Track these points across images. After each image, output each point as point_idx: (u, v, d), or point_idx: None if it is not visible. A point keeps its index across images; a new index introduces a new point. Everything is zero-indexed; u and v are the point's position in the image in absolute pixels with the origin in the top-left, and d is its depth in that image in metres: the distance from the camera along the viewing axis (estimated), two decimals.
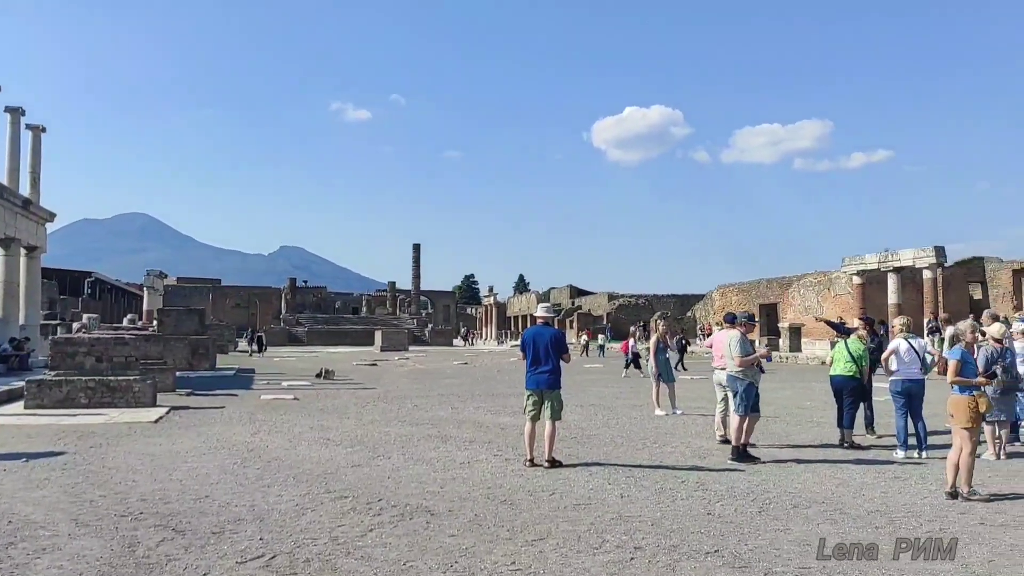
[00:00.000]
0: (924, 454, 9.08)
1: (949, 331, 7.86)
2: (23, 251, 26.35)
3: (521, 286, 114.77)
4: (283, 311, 70.17)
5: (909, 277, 35.01)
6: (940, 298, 33.34)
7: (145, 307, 43.43)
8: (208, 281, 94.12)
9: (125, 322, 33.48)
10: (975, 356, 7.87)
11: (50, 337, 23.45)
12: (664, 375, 13.78)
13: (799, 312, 39.78)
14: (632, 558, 5.09)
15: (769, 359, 13.74)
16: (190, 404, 14.69)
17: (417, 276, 72.64)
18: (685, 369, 24.51)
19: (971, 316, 10.74)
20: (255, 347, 43.16)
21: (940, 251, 32.88)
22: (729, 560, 5.06)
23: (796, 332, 36.95)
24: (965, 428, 6.87)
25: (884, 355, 9.69)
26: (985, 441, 8.85)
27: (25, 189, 27.02)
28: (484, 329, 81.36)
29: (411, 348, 50.67)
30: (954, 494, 6.86)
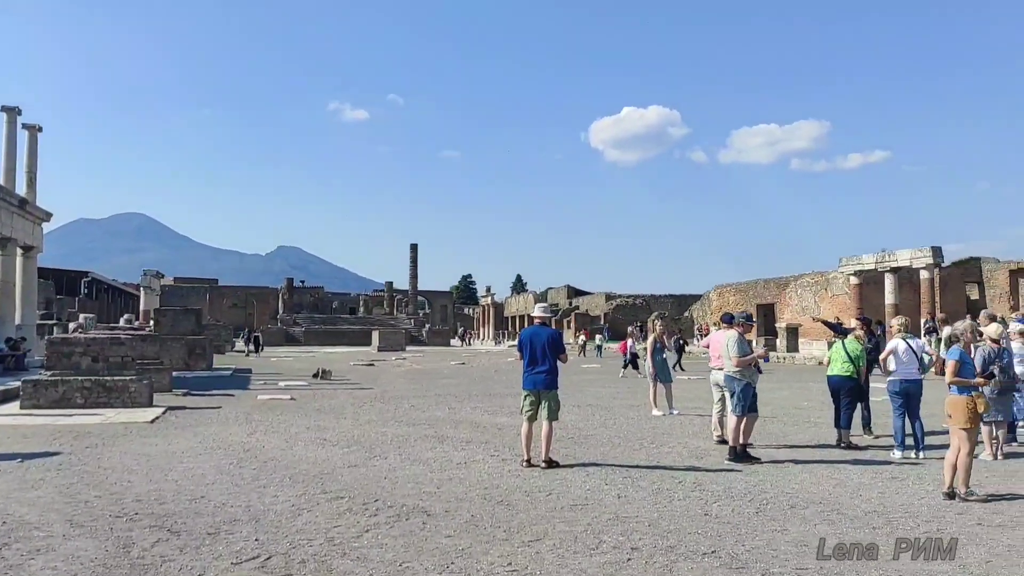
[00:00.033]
0: (921, 454, 9.08)
1: (946, 331, 7.85)
2: (19, 251, 26.28)
3: (519, 286, 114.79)
4: (280, 311, 70.11)
5: (906, 277, 35.04)
6: (937, 298, 33.37)
7: (142, 307, 43.38)
8: (205, 281, 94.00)
9: (122, 322, 33.40)
10: (972, 356, 7.86)
11: (46, 337, 23.40)
12: (661, 375, 13.77)
13: (796, 312, 39.82)
14: (629, 559, 5.07)
15: (767, 359, 13.74)
16: (186, 404, 14.66)
17: (414, 276, 72.61)
18: (683, 370, 24.51)
19: (968, 316, 10.73)
20: (251, 347, 43.13)
21: (937, 251, 32.90)
22: (726, 561, 5.05)
23: (793, 332, 36.97)
24: (963, 429, 6.87)
25: (883, 355, 9.68)
26: (982, 441, 8.84)
27: (21, 189, 26.95)
28: (482, 329, 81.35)
29: (408, 348, 50.63)
30: (951, 494, 6.86)
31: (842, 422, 9.94)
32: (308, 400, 15.79)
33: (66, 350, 16.70)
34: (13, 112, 26.54)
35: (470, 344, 68.54)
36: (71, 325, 31.21)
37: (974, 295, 37.65)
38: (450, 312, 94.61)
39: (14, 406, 13.83)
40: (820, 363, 24.90)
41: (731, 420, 8.98)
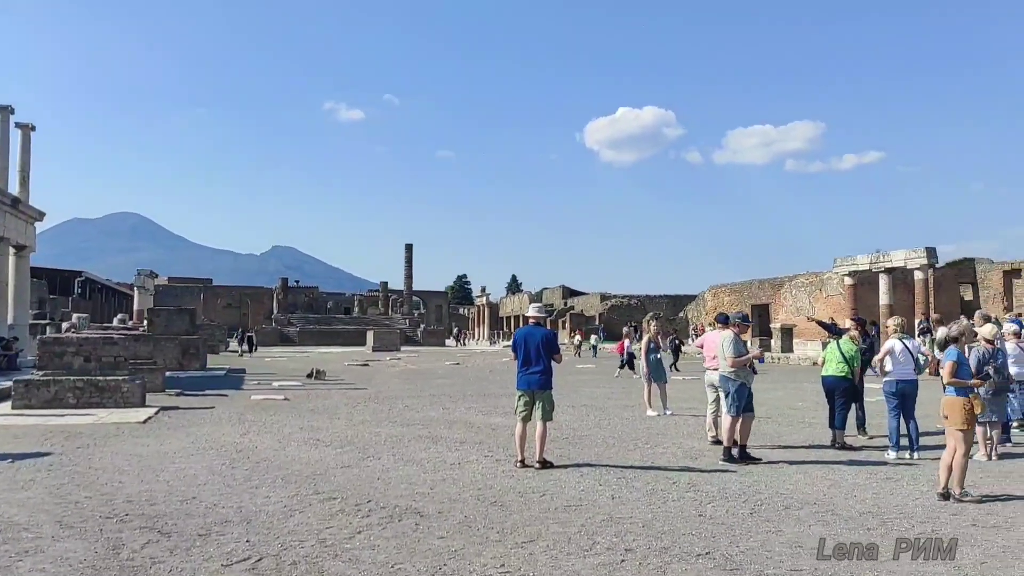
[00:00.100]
0: (915, 455, 9.07)
1: (940, 332, 7.83)
2: (12, 250, 26.20)
3: (514, 286, 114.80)
4: (275, 311, 69.99)
5: (900, 278, 35.12)
6: (931, 299, 33.44)
7: (136, 307, 43.27)
8: (199, 281, 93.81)
9: (115, 322, 33.30)
10: (967, 357, 7.86)
11: (38, 337, 23.27)
12: (655, 375, 13.75)
13: (791, 313, 39.88)
14: (623, 560, 5.05)
15: (762, 360, 13.73)
16: (179, 404, 14.60)
17: (409, 276, 72.52)
18: (678, 370, 24.51)
19: (962, 317, 10.74)
20: (245, 347, 43.03)
21: (931, 252, 32.98)
22: (720, 562, 5.02)
23: (788, 333, 37.01)
24: (960, 430, 6.85)
25: (879, 356, 9.66)
26: (977, 442, 8.84)
27: (14, 188, 26.86)
28: (476, 329, 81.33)
29: (403, 348, 50.56)
30: (946, 495, 6.85)
31: (836, 422, 9.93)
32: (302, 400, 15.74)
33: (58, 350, 16.62)
34: (6, 111, 26.45)
35: (465, 344, 68.51)
36: (64, 325, 31.09)
37: (968, 296, 37.75)
38: (445, 312, 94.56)
39: (6, 406, 13.74)
40: (815, 363, 24.94)
41: (725, 420, 8.96)
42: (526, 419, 8.38)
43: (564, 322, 57.16)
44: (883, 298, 33.92)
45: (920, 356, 9.55)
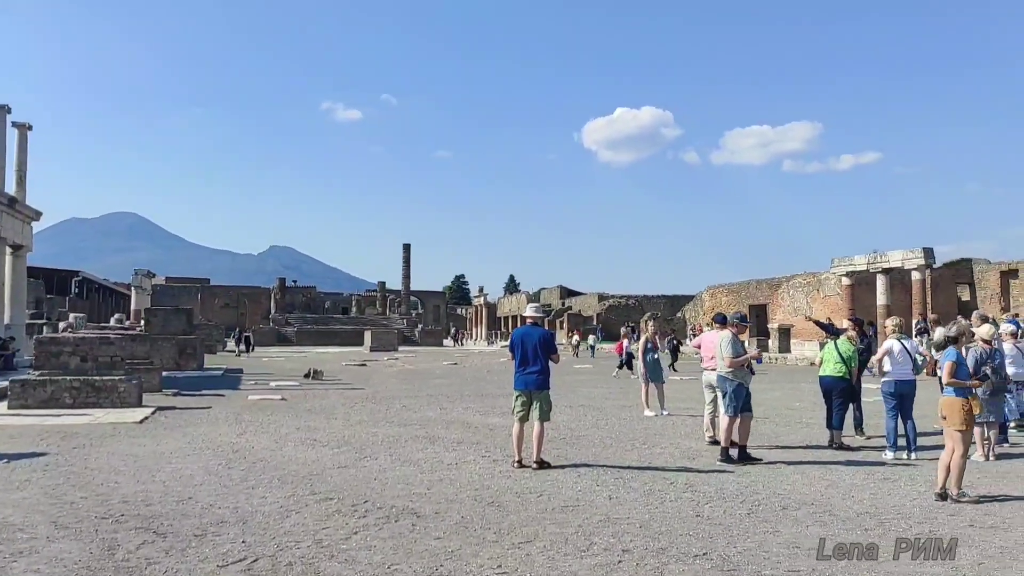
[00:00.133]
0: (913, 455, 9.07)
1: (938, 333, 7.81)
2: (8, 250, 26.13)
3: (511, 286, 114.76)
4: (272, 311, 69.89)
5: (898, 278, 35.12)
6: (928, 299, 33.45)
7: (133, 307, 43.17)
8: (197, 281, 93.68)
9: (112, 322, 33.27)
10: (964, 357, 7.85)
11: (35, 337, 23.24)
12: (653, 376, 13.74)
13: (788, 313, 39.87)
14: (620, 561, 5.03)
15: (759, 360, 13.74)
16: (176, 404, 14.56)
17: (407, 276, 72.45)
18: (675, 371, 24.50)
19: (960, 317, 10.74)
20: (242, 347, 42.98)
21: (929, 252, 32.99)
22: (718, 563, 5.01)
23: (785, 333, 37.03)
24: (958, 430, 6.84)
25: (878, 356, 9.67)
26: (975, 443, 8.84)
27: (11, 187, 26.78)
28: (474, 329, 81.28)
29: (401, 348, 50.51)
30: (944, 495, 6.84)
31: (834, 423, 9.92)
32: (299, 400, 15.71)
33: (55, 350, 16.58)
34: (3, 110, 26.37)
35: (462, 344, 68.46)
36: (61, 325, 31.05)
37: (965, 296, 37.77)
38: (443, 312, 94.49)
39: (2, 406, 13.70)
40: (812, 364, 24.95)
41: (723, 421, 8.95)
42: (523, 419, 8.36)
43: (562, 322, 57.14)
44: (880, 298, 33.93)
45: (918, 356, 9.55)
